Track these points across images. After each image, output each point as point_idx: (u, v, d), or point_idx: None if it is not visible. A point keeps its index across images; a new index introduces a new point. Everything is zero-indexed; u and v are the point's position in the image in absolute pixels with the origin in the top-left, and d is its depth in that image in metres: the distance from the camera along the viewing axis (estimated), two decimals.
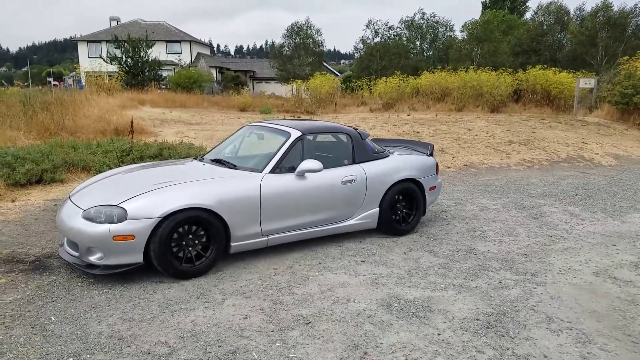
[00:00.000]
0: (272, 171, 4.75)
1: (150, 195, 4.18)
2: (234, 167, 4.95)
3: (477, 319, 3.64)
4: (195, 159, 5.54)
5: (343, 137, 5.53)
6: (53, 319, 3.48)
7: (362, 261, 4.79)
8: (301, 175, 4.82)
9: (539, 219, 6.45)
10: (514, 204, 7.26)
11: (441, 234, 5.74)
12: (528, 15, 39.19)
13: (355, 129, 5.63)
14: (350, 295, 4.01)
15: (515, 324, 3.58)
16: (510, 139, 12.69)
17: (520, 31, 32.98)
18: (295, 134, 5.04)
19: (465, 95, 19.28)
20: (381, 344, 3.28)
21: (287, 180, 4.76)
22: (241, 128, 6.00)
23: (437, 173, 6.14)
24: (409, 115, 17.12)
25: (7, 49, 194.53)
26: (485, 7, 39.93)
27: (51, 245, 4.95)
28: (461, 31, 35.88)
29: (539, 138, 12.95)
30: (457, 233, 5.80)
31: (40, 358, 2.99)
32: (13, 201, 6.49)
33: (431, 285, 4.26)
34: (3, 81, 22.06)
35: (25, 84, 28.02)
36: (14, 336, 3.22)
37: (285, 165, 4.86)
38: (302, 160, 4.85)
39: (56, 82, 34.32)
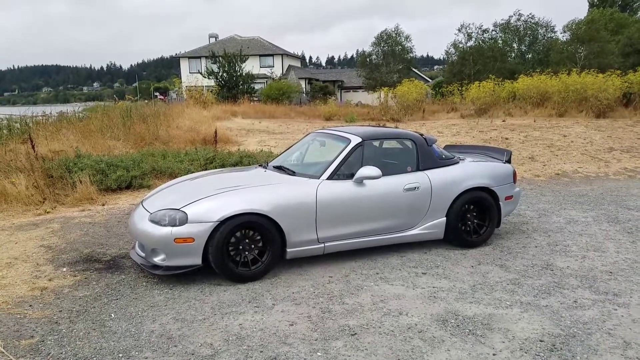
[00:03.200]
0: (330, 178, 4.70)
1: (209, 200, 4.32)
2: (292, 173, 4.97)
3: (541, 340, 3.31)
4: (261, 165, 5.64)
5: (408, 143, 5.35)
6: (113, 315, 3.69)
7: (423, 273, 4.57)
8: (359, 182, 4.73)
9: (634, 234, 5.78)
10: (607, 217, 6.58)
11: (517, 248, 5.34)
12: None
13: (421, 135, 5.42)
14: (403, 308, 3.83)
15: (584, 348, 3.21)
16: (611, 146, 11.58)
17: (631, 30, 30.15)
18: (355, 140, 4.96)
19: (567, 99, 17.99)
20: None
21: (344, 187, 4.69)
22: (306, 135, 6.03)
23: (514, 182, 5.73)
24: (504, 121, 16.32)
25: (120, 66, 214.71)
26: (592, 5, 37.04)
27: (127, 246, 5.27)
28: (563, 32, 33.56)
29: None
30: (536, 247, 5.35)
31: (93, 353, 3.16)
32: (103, 205, 7.04)
33: (495, 301, 3.95)
34: (115, 96, 24.20)
35: (135, 98, 30.60)
36: (75, 330, 3.45)
37: (344, 172, 4.79)
38: (361, 167, 4.76)
39: (162, 96, 37.05)
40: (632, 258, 4.95)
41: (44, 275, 4.43)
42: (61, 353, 3.14)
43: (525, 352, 3.17)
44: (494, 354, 3.15)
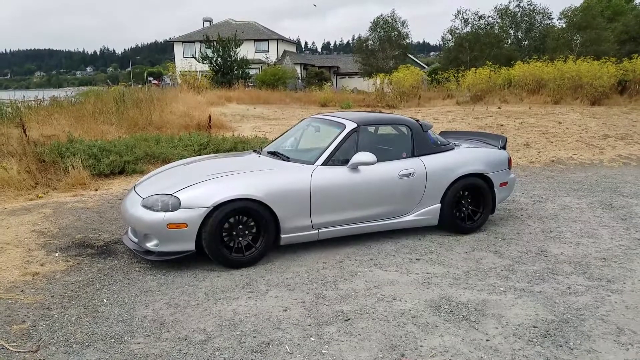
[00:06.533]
0: (325, 164, 4.67)
1: (203, 185, 4.28)
2: (287, 159, 4.93)
3: (534, 326, 3.32)
4: (255, 151, 5.60)
5: (403, 129, 5.31)
6: (105, 301, 3.66)
7: (417, 259, 4.57)
8: (354, 168, 4.70)
9: (628, 221, 5.79)
10: (601, 204, 6.59)
11: (511, 234, 5.34)
12: (638, 0, 35.59)
13: (417, 121, 5.38)
14: (397, 293, 3.83)
15: (577, 334, 3.22)
16: (606, 133, 11.58)
17: (628, 17, 30.05)
18: (350, 125, 4.92)
19: (562, 86, 17.93)
20: (421, 346, 3.09)
21: (339, 173, 4.66)
22: (301, 121, 5.98)
23: (509, 168, 5.72)
24: (499, 108, 16.27)
25: (114, 50, 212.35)
26: None
27: (120, 231, 5.23)
28: (559, 19, 33.44)
29: (639, 132, 11.70)
30: (530, 233, 5.36)
31: (85, 338, 3.14)
32: (96, 190, 6.99)
33: (489, 287, 3.96)
34: (108, 81, 23.98)
35: (129, 83, 30.30)
36: (67, 315, 3.42)
37: (339, 158, 4.75)
38: (356, 153, 4.72)
39: (155, 81, 36.68)
40: (625, 244, 4.96)
41: (35, 260, 4.39)
42: (53, 338, 3.12)
43: (519, 338, 3.17)
44: (487, 340, 3.16)
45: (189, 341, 3.13)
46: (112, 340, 3.12)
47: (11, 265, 4.27)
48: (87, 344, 3.07)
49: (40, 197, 6.52)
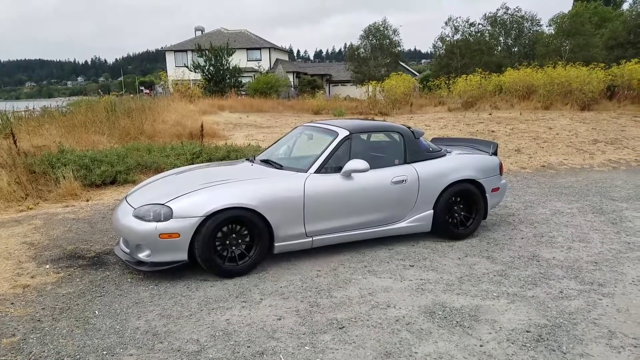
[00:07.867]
0: (318, 171, 4.67)
1: (195, 194, 4.26)
2: (280, 167, 4.94)
3: (528, 331, 3.33)
4: (248, 159, 5.59)
5: (395, 136, 5.33)
6: (97, 312, 3.63)
7: (410, 265, 4.57)
8: (347, 175, 4.71)
9: (618, 225, 5.84)
10: (592, 208, 6.64)
11: (504, 239, 5.36)
12: (625, 6, 36.17)
13: (409, 128, 5.41)
14: (391, 300, 3.83)
15: (570, 338, 3.23)
16: (595, 138, 11.69)
17: (615, 23, 30.50)
18: (343, 133, 4.93)
19: (552, 92, 18.10)
20: (415, 353, 3.08)
21: (332, 181, 4.66)
22: (294, 129, 5.99)
23: (500, 174, 5.75)
24: (490, 114, 16.40)
25: (105, 60, 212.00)
26: None
27: (112, 242, 5.20)
28: (548, 25, 33.89)
29: (628, 137, 11.82)
30: (522, 238, 5.38)
31: (77, 350, 3.11)
32: (87, 200, 6.94)
33: (482, 293, 3.97)
34: (100, 90, 23.86)
35: (120, 93, 30.22)
36: (58, 328, 3.39)
37: (332, 165, 4.76)
38: (349, 160, 4.73)
39: (147, 91, 36.67)
40: (616, 248, 5.00)
41: (26, 272, 4.35)
42: (43, 351, 3.08)
43: (512, 343, 3.18)
44: (481, 345, 3.16)
45: (182, 352, 3.11)
46: (104, 353, 3.09)
47: (1, 277, 4.22)
48: (78, 356, 3.04)
49: (30, 209, 6.47)
